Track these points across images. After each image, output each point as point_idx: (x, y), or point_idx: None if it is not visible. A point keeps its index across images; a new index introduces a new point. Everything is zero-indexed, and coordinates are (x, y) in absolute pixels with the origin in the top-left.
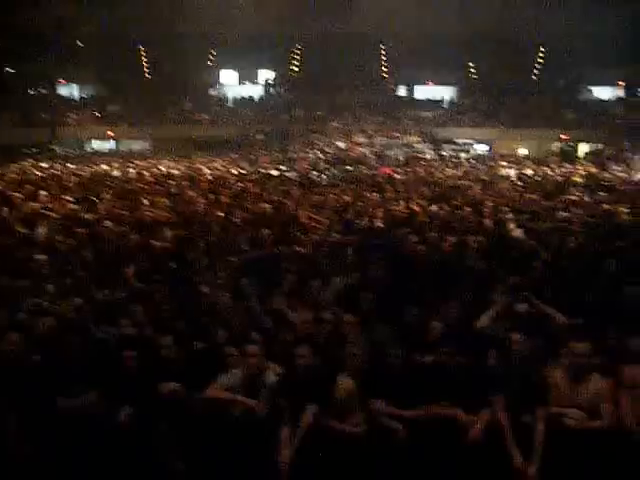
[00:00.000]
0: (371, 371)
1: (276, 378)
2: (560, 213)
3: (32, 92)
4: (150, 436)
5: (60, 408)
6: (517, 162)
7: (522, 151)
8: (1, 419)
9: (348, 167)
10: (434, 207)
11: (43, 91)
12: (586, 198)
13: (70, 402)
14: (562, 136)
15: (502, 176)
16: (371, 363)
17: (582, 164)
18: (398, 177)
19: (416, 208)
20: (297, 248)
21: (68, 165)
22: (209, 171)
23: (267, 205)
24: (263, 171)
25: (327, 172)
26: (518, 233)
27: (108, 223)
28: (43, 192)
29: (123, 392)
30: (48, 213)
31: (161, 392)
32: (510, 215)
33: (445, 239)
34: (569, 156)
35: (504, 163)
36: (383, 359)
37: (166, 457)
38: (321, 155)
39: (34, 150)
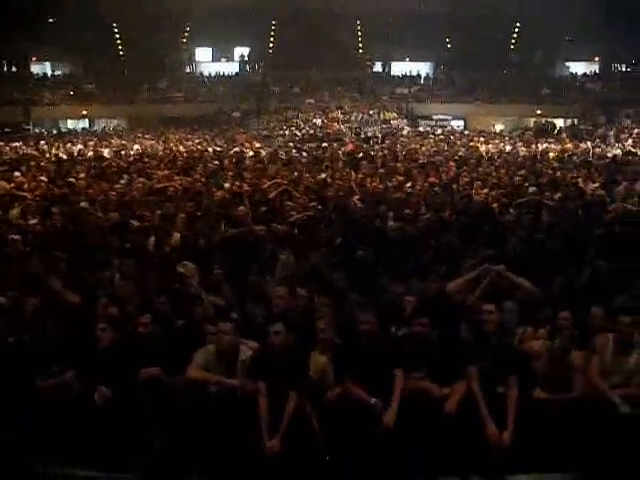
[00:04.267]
0: (344, 345)
1: (250, 354)
2: (532, 188)
3: (4, 70)
4: (128, 416)
5: (38, 387)
6: (492, 138)
7: (498, 127)
8: None
9: (324, 144)
10: (409, 183)
11: (15, 69)
12: (559, 174)
13: (48, 381)
14: (538, 111)
15: (477, 151)
16: (344, 337)
17: (557, 140)
18: (372, 153)
19: (392, 184)
20: (273, 225)
21: (42, 145)
22: (184, 149)
23: (243, 183)
24: (238, 149)
25: (303, 149)
26: (492, 208)
27: (84, 203)
28: (17, 173)
29: (101, 371)
30: (22, 194)
31: (141, 376)
32: (485, 190)
33: (421, 215)
34: (544, 132)
35: (480, 139)
36: (356, 332)
37: (145, 436)
38: (297, 132)
39: (7, 130)
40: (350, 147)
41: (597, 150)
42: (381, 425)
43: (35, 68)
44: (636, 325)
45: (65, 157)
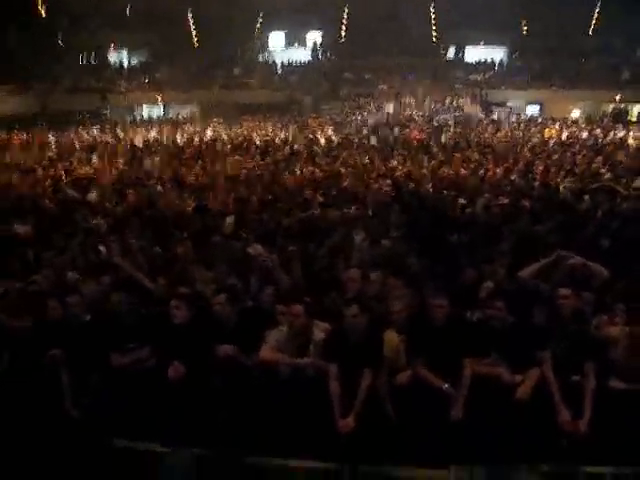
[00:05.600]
0: (418, 328)
1: (323, 335)
2: (608, 175)
3: (83, 60)
4: (202, 392)
5: (113, 363)
6: (569, 124)
7: (575, 113)
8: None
9: (395, 130)
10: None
11: (93, 58)
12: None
13: (123, 357)
14: (617, 97)
15: (553, 138)
16: (418, 320)
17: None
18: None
19: (465, 172)
20: (346, 210)
21: (118, 131)
22: (258, 136)
23: (316, 169)
24: (311, 135)
25: (375, 135)
26: (568, 195)
27: (159, 187)
28: (95, 158)
29: (176, 348)
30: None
31: (217, 353)
32: (561, 177)
33: (495, 202)
34: (622, 118)
35: (556, 126)
36: (430, 316)
37: (218, 414)
38: (369, 118)
39: (86, 116)
40: (415, 134)
41: None
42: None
43: (112, 56)
44: None
45: (140, 144)
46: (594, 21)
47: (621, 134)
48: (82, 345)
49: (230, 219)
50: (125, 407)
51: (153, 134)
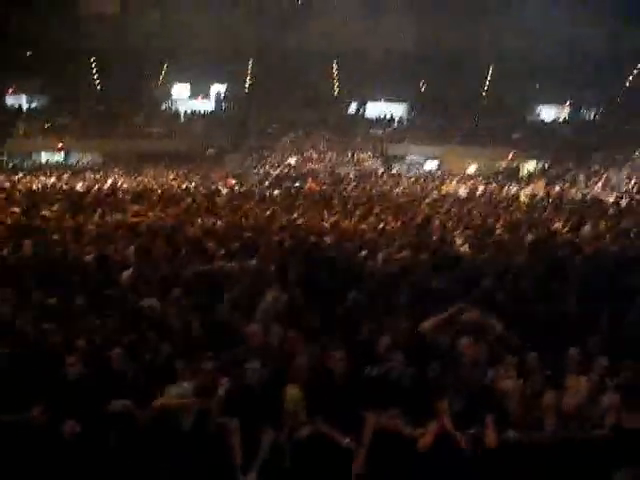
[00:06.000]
0: (317, 383)
1: (225, 390)
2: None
3: None
4: (97, 449)
5: (2, 423)
6: (466, 180)
7: (471, 169)
8: None
9: (297, 183)
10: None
11: None
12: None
13: (13, 416)
14: (510, 154)
15: (450, 193)
16: (317, 375)
17: (527, 182)
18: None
19: (364, 226)
20: (246, 262)
21: (16, 177)
22: (158, 185)
23: (217, 220)
24: (214, 186)
25: (277, 187)
26: (465, 249)
27: (56, 235)
28: None
29: (69, 405)
30: None
31: (112, 409)
32: (458, 231)
33: (394, 255)
34: (513, 175)
35: (454, 181)
36: (329, 371)
37: (116, 470)
38: (272, 171)
39: None
40: (313, 186)
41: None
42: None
43: (10, 100)
44: (611, 369)
45: (38, 189)
46: (488, 81)
47: (513, 190)
48: None
49: (127, 272)
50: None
51: (52, 180)
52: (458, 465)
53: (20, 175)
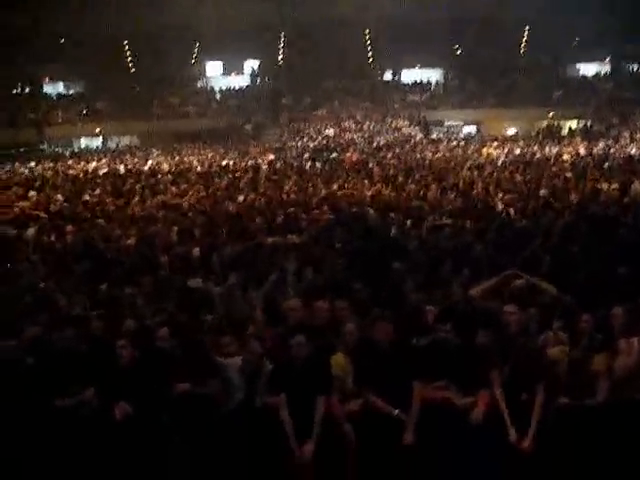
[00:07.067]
0: (364, 353)
1: (271, 367)
2: (543, 191)
3: (17, 92)
4: (151, 431)
5: (58, 408)
6: (506, 142)
7: (511, 131)
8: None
9: (333, 154)
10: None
11: (28, 91)
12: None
13: (67, 401)
14: (550, 114)
15: (491, 156)
16: (364, 346)
17: (569, 141)
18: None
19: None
20: (290, 237)
21: (57, 164)
22: (198, 164)
23: (258, 195)
24: (253, 162)
25: (317, 159)
26: (509, 213)
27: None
28: (32, 192)
29: (121, 387)
30: (38, 213)
31: (174, 392)
32: (500, 196)
33: (440, 222)
34: (555, 134)
35: (494, 144)
36: (375, 342)
37: (169, 452)
38: (310, 143)
39: (22, 150)
40: (354, 157)
41: (612, 150)
42: (402, 443)
43: (48, 88)
44: None
45: (80, 175)
46: (524, 41)
47: (555, 150)
48: (25, 387)
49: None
50: (69, 452)
51: (93, 165)
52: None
53: (60, 162)
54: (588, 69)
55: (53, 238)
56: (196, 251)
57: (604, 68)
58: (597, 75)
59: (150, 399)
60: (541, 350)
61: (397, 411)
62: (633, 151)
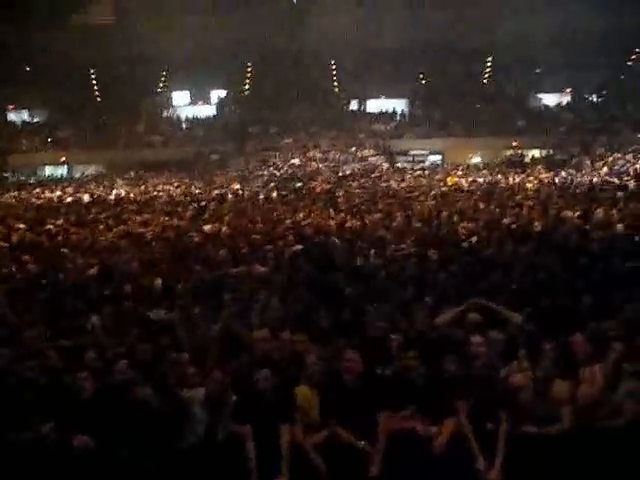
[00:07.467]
0: (330, 384)
1: (235, 398)
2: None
3: None
4: (109, 463)
5: (13, 442)
6: (469, 171)
7: (475, 160)
8: None
9: (299, 184)
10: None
11: None
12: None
13: (23, 435)
14: (513, 143)
15: (454, 185)
16: (328, 375)
17: (532, 170)
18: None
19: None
20: (255, 267)
21: (20, 193)
22: (163, 193)
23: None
24: (218, 191)
25: (282, 189)
26: (473, 241)
27: (65, 250)
28: None
29: (81, 420)
30: None
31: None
32: (464, 224)
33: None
34: (517, 163)
35: (458, 172)
36: (340, 373)
37: None
38: (276, 172)
39: None
40: (318, 186)
41: (574, 179)
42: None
43: (12, 116)
44: (629, 353)
45: (43, 204)
46: (487, 70)
47: (519, 178)
48: None
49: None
50: None
51: (57, 194)
52: (473, 464)
53: (24, 190)
54: (550, 99)
55: (14, 269)
56: (159, 282)
57: (565, 98)
58: (559, 105)
59: (110, 432)
60: (506, 379)
61: (363, 442)
62: (594, 179)
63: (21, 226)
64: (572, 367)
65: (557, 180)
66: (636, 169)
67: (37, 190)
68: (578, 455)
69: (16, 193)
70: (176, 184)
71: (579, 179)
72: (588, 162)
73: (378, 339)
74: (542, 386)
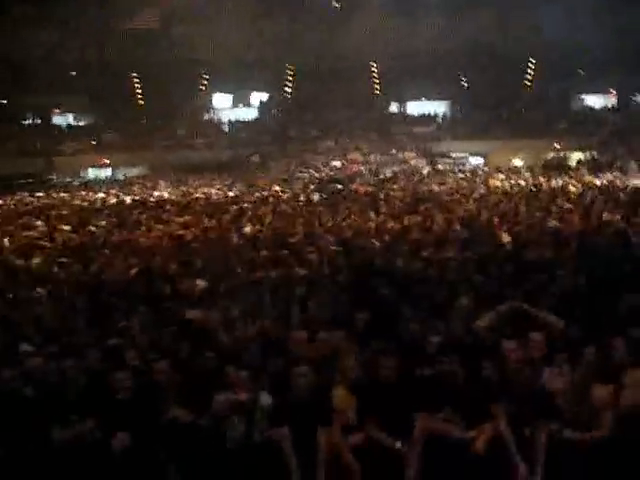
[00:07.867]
0: (367, 387)
1: (270, 400)
2: (552, 222)
3: (26, 122)
4: (148, 463)
5: (55, 439)
6: (512, 173)
7: (517, 162)
8: None
9: (339, 185)
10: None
11: (38, 121)
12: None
13: (65, 432)
14: (556, 145)
15: (496, 188)
16: (366, 380)
17: (575, 173)
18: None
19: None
20: (294, 269)
21: (64, 195)
22: (204, 195)
23: (264, 227)
24: (259, 194)
25: (321, 191)
26: (514, 245)
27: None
28: (38, 222)
29: (119, 419)
30: (43, 243)
31: (164, 418)
32: (504, 227)
33: (440, 254)
34: (561, 165)
35: (501, 175)
36: (378, 376)
37: None
38: (316, 174)
39: (30, 180)
40: (358, 188)
41: (617, 182)
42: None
43: (58, 119)
44: None
45: (86, 206)
46: (530, 72)
47: (561, 182)
48: (23, 418)
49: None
50: None
51: (101, 196)
52: (512, 469)
53: (68, 192)
54: (594, 101)
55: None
56: (200, 282)
57: (610, 100)
58: (604, 107)
59: (148, 432)
60: (545, 383)
61: (399, 444)
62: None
63: (65, 227)
64: (613, 372)
65: (601, 183)
66: None
67: (81, 192)
68: (619, 462)
69: (61, 195)
70: (217, 186)
71: (624, 182)
72: (634, 165)
73: (416, 340)
74: (582, 391)
